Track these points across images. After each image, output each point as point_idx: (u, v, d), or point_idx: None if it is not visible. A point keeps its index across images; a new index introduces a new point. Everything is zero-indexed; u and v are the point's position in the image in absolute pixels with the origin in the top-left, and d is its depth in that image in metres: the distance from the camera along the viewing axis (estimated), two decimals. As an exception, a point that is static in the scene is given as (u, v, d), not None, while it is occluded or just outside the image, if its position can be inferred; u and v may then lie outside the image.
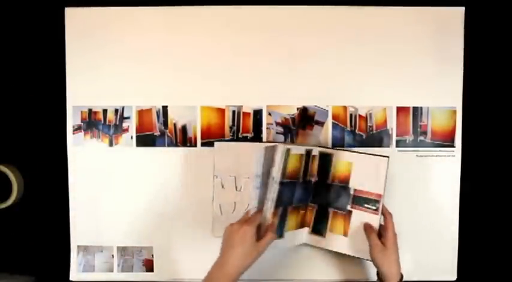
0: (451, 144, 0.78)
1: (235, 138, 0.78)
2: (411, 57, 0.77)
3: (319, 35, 0.77)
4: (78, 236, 0.79)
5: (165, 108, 0.78)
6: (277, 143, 0.69)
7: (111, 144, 0.78)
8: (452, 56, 0.77)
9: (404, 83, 0.77)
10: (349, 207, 0.72)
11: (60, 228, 0.79)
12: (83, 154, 0.78)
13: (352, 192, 0.72)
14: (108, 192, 0.78)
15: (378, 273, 0.69)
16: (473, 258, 0.79)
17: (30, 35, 0.79)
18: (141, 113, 0.78)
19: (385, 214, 0.71)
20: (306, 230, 0.74)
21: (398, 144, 0.78)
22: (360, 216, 0.71)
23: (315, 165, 0.73)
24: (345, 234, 0.72)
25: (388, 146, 0.78)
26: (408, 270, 0.77)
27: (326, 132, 0.78)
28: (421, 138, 0.78)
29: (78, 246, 0.79)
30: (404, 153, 0.77)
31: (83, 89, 0.78)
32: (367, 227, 0.70)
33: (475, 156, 0.78)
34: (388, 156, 0.71)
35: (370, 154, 0.72)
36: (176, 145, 0.78)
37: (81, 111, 0.78)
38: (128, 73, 0.78)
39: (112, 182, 0.78)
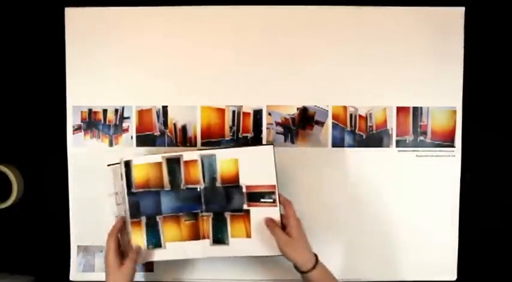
0: (451, 144, 0.78)
1: (235, 138, 0.78)
2: (411, 57, 0.77)
3: (319, 35, 0.77)
4: (78, 236, 0.79)
5: (165, 108, 0.78)
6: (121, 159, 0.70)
7: (111, 144, 0.78)
8: (452, 56, 0.77)
9: (404, 83, 0.77)
10: (245, 207, 0.69)
11: (60, 228, 0.79)
12: (83, 154, 0.78)
13: (244, 189, 0.69)
14: (108, 192, 0.77)
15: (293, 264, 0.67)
16: (473, 258, 0.78)
17: (30, 35, 0.79)
18: (141, 113, 0.78)
19: (284, 203, 0.68)
20: (206, 243, 0.70)
21: (398, 144, 0.78)
22: (259, 213, 0.69)
23: (195, 171, 0.69)
24: (248, 236, 0.69)
25: (388, 146, 0.78)
26: (408, 270, 0.77)
27: (326, 132, 0.78)
28: (421, 138, 0.78)
29: (78, 246, 0.79)
30: (404, 153, 0.77)
31: (83, 89, 0.78)
32: (269, 222, 0.67)
33: (475, 156, 0.78)
34: (272, 144, 0.69)
35: (253, 145, 0.70)
36: (176, 145, 0.78)
37: (81, 111, 0.78)
38: (127, 73, 0.78)
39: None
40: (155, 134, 0.78)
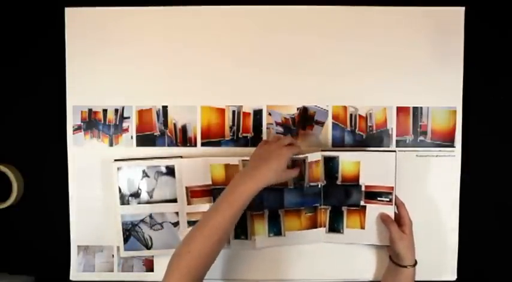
0: (451, 144, 0.78)
1: (235, 138, 0.78)
2: (411, 57, 0.77)
3: (319, 35, 0.77)
4: (78, 236, 0.79)
5: (165, 108, 0.78)
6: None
7: (111, 144, 0.78)
8: (452, 56, 0.77)
9: (404, 83, 0.77)
10: (362, 203, 0.74)
11: (60, 228, 0.79)
12: (83, 154, 0.78)
13: (363, 188, 0.74)
14: (108, 192, 0.78)
15: (390, 257, 0.74)
16: (473, 258, 0.78)
17: (30, 35, 0.79)
18: (141, 113, 0.78)
19: (398, 204, 0.73)
20: (322, 231, 0.76)
21: (398, 144, 0.78)
22: (374, 209, 0.74)
23: (317, 170, 0.74)
24: (362, 227, 0.75)
25: (388, 146, 0.78)
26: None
27: (326, 132, 0.78)
28: (421, 138, 0.78)
29: (78, 246, 0.79)
30: (404, 153, 0.77)
31: (83, 89, 0.78)
32: (386, 217, 0.73)
33: (475, 156, 0.78)
34: (395, 151, 0.73)
35: (376, 150, 0.75)
36: (176, 145, 0.78)
37: (81, 111, 0.78)
38: (127, 73, 0.78)
39: (112, 182, 0.78)
40: (155, 134, 0.78)
